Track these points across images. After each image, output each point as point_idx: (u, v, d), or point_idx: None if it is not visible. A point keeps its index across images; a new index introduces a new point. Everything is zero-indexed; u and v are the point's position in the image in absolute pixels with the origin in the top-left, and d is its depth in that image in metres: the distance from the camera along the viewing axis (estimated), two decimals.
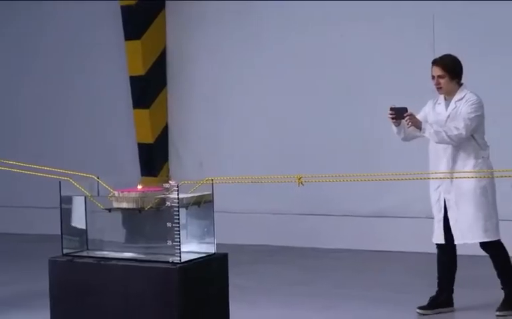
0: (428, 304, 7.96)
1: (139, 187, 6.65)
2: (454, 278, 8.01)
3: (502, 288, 7.83)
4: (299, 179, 6.28)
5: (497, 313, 7.75)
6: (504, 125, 9.82)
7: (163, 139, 12.54)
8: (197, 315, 6.27)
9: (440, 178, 7.74)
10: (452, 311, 7.96)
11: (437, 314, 7.90)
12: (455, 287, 8.02)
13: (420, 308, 7.94)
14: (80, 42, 13.04)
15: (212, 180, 6.47)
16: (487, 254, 7.86)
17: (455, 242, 7.81)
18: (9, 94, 13.77)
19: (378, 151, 10.54)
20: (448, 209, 7.79)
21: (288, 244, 11.39)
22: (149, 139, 12.28)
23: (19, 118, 13.63)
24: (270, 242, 11.49)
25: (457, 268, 8.00)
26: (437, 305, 7.95)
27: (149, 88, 12.35)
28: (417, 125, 7.69)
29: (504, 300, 7.79)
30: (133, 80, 12.31)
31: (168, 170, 12.41)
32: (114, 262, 6.39)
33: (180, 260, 6.17)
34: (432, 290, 8.02)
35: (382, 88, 10.70)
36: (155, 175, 11.93)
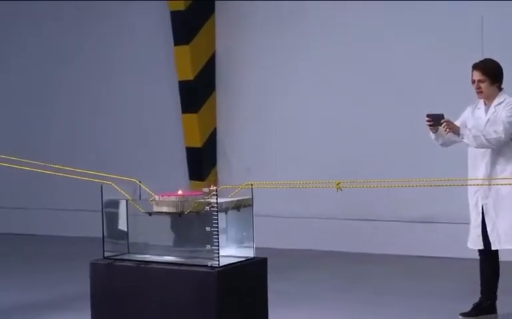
0: (471, 310, 7.90)
1: (180, 191, 6.71)
2: (497, 284, 7.95)
3: None
4: (337, 184, 6.27)
5: None
6: None
7: (211, 143, 12.58)
8: (235, 317, 6.28)
9: (478, 184, 7.70)
10: (495, 318, 7.89)
11: None
12: (498, 293, 7.94)
13: (463, 314, 7.90)
14: (129, 46, 13.13)
15: (252, 185, 6.49)
16: None
17: (492, 248, 7.77)
18: (57, 96, 13.91)
19: (420, 155, 10.47)
20: (485, 214, 7.76)
21: (331, 249, 11.38)
22: (198, 144, 12.32)
23: (68, 122, 13.76)
24: (312, 247, 11.50)
25: (501, 275, 7.95)
26: (479, 312, 7.89)
27: (197, 92, 12.40)
28: (455, 130, 7.69)
29: None
30: (182, 85, 12.37)
31: (216, 174, 12.44)
32: (153, 265, 6.42)
33: (219, 264, 6.17)
34: (476, 296, 7.96)
35: (429, 92, 10.64)
36: (203, 180, 11.97)
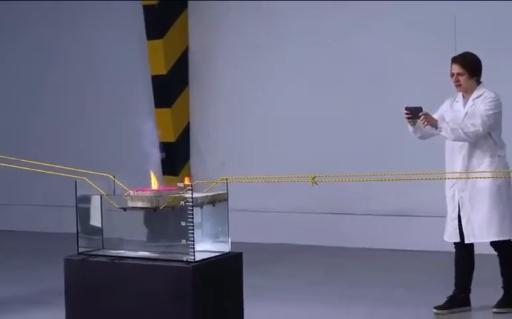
0: (445, 303, 7.94)
1: (154, 186, 6.71)
2: (471, 277, 7.99)
3: (502, 287, 7.88)
4: (313, 178, 6.28)
5: (494, 309, 7.84)
6: None
7: (185, 138, 12.58)
8: (211, 313, 6.31)
9: (455, 178, 7.74)
10: (469, 311, 7.93)
11: (454, 312, 7.88)
12: (472, 287, 7.98)
13: (436, 307, 7.92)
14: (102, 41, 13.09)
15: (227, 179, 6.50)
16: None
17: (466, 241, 7.82)
18: (33, 92, 13.83)
19: (396, 150, 10.48)
20: (461, 207, 7.80)
21: (306, 243, 11.39)
22: (171, 138, 12.31)
23: (44, 118, 13.68)
24: (287, 241, 11.50)
25: (475, 268, 7.98)
26: (453, 305, 7.93)
27: (170, 87, 12.38)
28: (433, 123, 7.72)
29: (502, 298, 7.87)
30: (155, 80, 12.34)
31: (189, 169, 12.42)
32: (128, 261, 6.43)
33: (194, 258, 6.20)
34: (450, 289, 7.99)
35: (403, 88, 10.67)
36: (176, 175, 11.95)
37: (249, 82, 12.14)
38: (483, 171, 7.64)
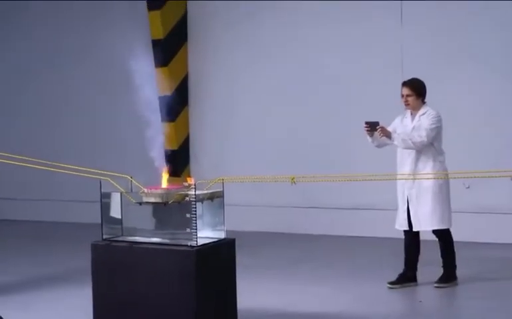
0: (396, 279, 7.96)
1: (165, 185, 6.69)
2: (418, 258, 8.03)
3: (442, 267, 7.95)
4: (292, 179, 6.27)
5: (435, 285, 7.89)
6: (458, 135, 9.77)
7: (185, 146, 12.52)
8: (210, 287, 6.28)
9: (405, 178, 7.75)
10: (416, 285, 7.95)
11: (403, 287, 7.90)
12: (418, 266, 8.01)
13: (390, 283, 7.94)
14: (119, 69, 12.95)
15: (223, 180, 6.50)
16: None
17: (414, 230, 7.87)
18: (63, 103, 13.63)
19: (358, 155, 10.45)
20: (410, 201, 7.83)
21: (285, 231, 11.37)
22: (174, 146, 12.26)
23: (78, 132, 13.47)
24: (271, 229, 11.46)
25: (420, 251, 8.00)
26: (403, 281, 7.95)
27: (174, 105, 12.31)
28: (388, 135, 7.76)
29: (442, 276, 7.94)
30: (162, 99, 12.28)
31: (189, 171, 12.38)
32: (143, 245, 6.41)
33: (197, 243, 6.20)
34: (400, 268, 8.01)
35: (363, 105, 10.63)
36: (178, 176, 11.89)
37: (237, 101, 12.09)
38: (426, 173, 7.70)
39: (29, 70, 13.82)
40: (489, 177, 5.83)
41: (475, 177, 5.96)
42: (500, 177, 5.27)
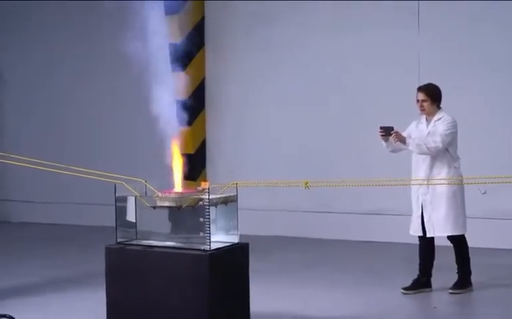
0: (411, 285, 7.92)
1: (179, 189, 6.69)
2: (433, 264, 7.99)
3: (457, 272, 7.90)
4: (306, 183, 6.25)
5: (450, 291, 7.84)
6: (473, 141, 9.71)
7: (201, 150, 12.52)
8: (223, 292, 6.27)
9: (419, 184, 7.72)
10: (430, 291, 7.91)
11: (417, 293, 7.85)
12: (433, 272, 7.96)
13: (404, 288, 7.90)
14: (137, 73, 12.97)
15: (236, 184, 6.49)
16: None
17: (427, 235, 7.83)
18: (78, 106, 13.63)
19: (374, 160, 10.37)
20: (424, 207, 7.79)
21: (298, 235, 11.32)
22: (190, 151, 12.25)
23: (94, 136, 13.43)
24: (284, 234, 11.42)
25: (435, 256, 7.95)
26: (418, 286, 7.91)
27: (191, 109, 12.31)
28: (402, 140, 7.72)
29: (457, 281, 7.89)
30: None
31: (205, 175, 12.39)
32: (156, 249, 6.41)
33: (210, 248, 6.19)
34: (415, 274, 7.97)
35: (378, 110, 10.59)
36: (194, 180, 11.90)
37: (253, 106, 12.08)
38: (441, 179, 7.65)
39: (48, 74, 13.87)
40: (503, 182, 5.76)
41: (489, 183, 5.90)
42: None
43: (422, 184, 7.70)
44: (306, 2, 11.53)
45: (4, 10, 14.04)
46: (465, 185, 7.79)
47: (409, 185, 7.86)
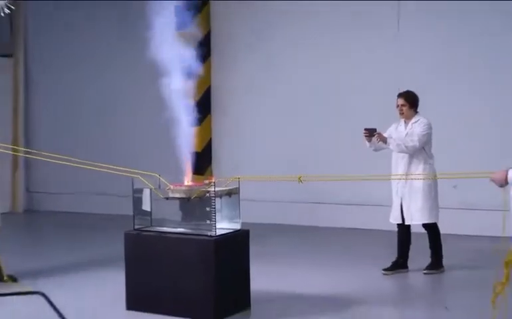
0: (390, 266, 7.96)
1: (188, 182, 6.72)
2: (409, 248, 8.03)
3: (430, 256, 7.95)
4: (299, 178, 6.28)
5: (424, 271, 7.90)
6: (447, 141, 9.75)
7: (208, 148, 12.53)
8: (227, 272, 6.31)
9: (398, 178, 7.76)
10: (407, 272, 7.96)
11: (396, 273, 7.91)
12: (410, 254, 8.01)
13: (384, 269, 7.95)
14: (154, 80, 12.94)
15: (239, 178, 6.52)
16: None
17: (406, 223, 7.87)
18: (108, 112, 13.55)
19: (358, 157, 10.38)
20: (403, 199, 7.83)
21: (293, 223, 11.35)
22: (198, 149, 12.25)
23: (118, 135, 13.37)
24: (281, 221, 11.44)
25: (412, 242, 8.01)
26: (396, 267, 7.96)
27: (199, 112, 12.29)
28: (384, 140, 7.75)
29: (430, 263, 7.94)
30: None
31: (211, 170, 12.41)
32: (169, 235, 6.45)
33: (215, 234, 6.23)
34: (393, 257, 8.03)
35: (364, 114, 10.60)
36: (202, 174, 11.92)
37: (253, 110, 12.09)
38: (418, 174, 7.69)
39: (70, 75, 13.82)
40: (470, 177, 5.83)
41: (458, 177, 5.95)
42: (480, 177, 5.27)
43: (401, 179, 7.74)
44: (300, 21, 11.56)
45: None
46: (438, 180, 7.84)
47: (389, 179, 7.89)
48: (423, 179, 7.64)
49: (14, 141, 13.58)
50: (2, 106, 13.59)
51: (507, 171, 4.99)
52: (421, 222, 7.85)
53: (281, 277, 7.88)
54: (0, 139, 7.62)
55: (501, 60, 10.14)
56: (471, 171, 6.57)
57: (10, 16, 13.26)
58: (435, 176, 7.76)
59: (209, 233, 6.22)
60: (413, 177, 7.66)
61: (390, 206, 8.03)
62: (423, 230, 7.97)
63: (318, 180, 7.10)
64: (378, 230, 10.06)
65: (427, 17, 10.57)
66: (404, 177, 7.73)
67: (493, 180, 5.08)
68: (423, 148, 7.75)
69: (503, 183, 5.01)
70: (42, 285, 7.20)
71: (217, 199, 6.27)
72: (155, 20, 6.74)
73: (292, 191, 10.84)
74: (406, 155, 7.76)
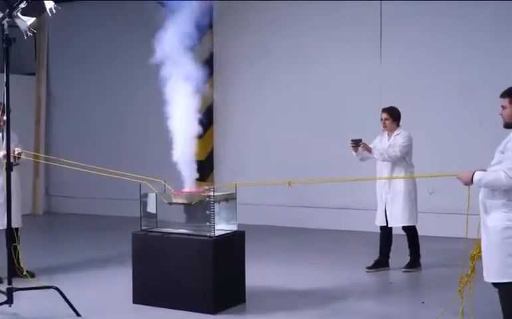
0: (373, 265, 7.92)
1: (189, 189, 6.67)
2: (390, 248, 7.99)
3: (409, 255, 7.92)
4: (289, 182, 6.22)
5: (404, 269, 7.85)
6: (425, 151, 9.70)
7: (210, 157, 12.49)
8: (224, 269, 6.27)
9: (383, 179, 7.72)
10: (388, 270, 7.92)
11: (378, 271, 7.86)
12: (390, 254, 7.97)
13: (368, 267, 7.90)
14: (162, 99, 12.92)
15: (236, 184, 6.49)
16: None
17: (389, 225, 7.83)
18: (119, 121, 13.47)
19: (345, 166, 10.29)
20: (386, 203, 7.79)
21: (285, 225, 11.28)
22: (202, 158, 12.21)
23: (128, 144, 13.26)
24: (273, 223, 11.38)
25: (392, 242, 7.96)
26: (378, 266, 7.92)
27: (202, 125, 12.24)
28: (369, 150, 7.75)
29: (409, 262, 7.91)
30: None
31: (213, 177, 12.37)
32: (172, 235, 6.41)
33: (214, 234, 6.20)
34: (376, 256, 7.98)
35: (350, 125, 10.54)
36: (204, 181, 11.88)
37: (251, 123, 12.03)
38: (399, 177, 7.68)
39: (83, 88, 13.78)
40: (437, 176, 5.80)
41: (427, 177, 5.89)
42: (448, 175, 5.21)
43: (385, 179, 7.70)
44: (293, 40, 11.52)
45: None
46: (417, 187, 7.82)
47: (374, 179, 7.87)
48: (403, 177, 7.62)
49: (36, 149, 13.56)
50: (26, 118, 13.58)
51: (473, 172, 4.91)
52: (401, 225, 7.81)
53: (274, 274, 7.83)
54: (24, 147, 7.58)
55: (473, 74, 10.10)
56: (440, 173, 6.44)
57: (35, 39, 13.25)
58: (414, 181, 7.74)
59: (208, 234, 6.19)
60: (395, 181, 7.67)
61: (373, 210, 8.00)
62: (402, 232, 7.93)
63: (307, 183, 7.06)
64: (362, 231, 10.01)
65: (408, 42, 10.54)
66: (387, 183, 7.74)
67: (459, 178, 5.01)
68: (404, 158, 7.73)
69: (469, 183, 4.94)
70: (57, 280, 7.18)
71: (216, 204, 6.24)
72: (167, 41, 6.70)
73: (283, 196, 10.81)
74: (389, 164, 7.75)
